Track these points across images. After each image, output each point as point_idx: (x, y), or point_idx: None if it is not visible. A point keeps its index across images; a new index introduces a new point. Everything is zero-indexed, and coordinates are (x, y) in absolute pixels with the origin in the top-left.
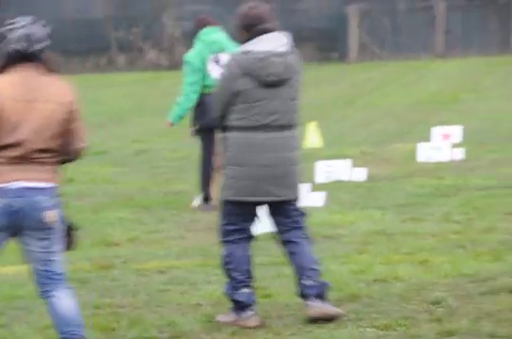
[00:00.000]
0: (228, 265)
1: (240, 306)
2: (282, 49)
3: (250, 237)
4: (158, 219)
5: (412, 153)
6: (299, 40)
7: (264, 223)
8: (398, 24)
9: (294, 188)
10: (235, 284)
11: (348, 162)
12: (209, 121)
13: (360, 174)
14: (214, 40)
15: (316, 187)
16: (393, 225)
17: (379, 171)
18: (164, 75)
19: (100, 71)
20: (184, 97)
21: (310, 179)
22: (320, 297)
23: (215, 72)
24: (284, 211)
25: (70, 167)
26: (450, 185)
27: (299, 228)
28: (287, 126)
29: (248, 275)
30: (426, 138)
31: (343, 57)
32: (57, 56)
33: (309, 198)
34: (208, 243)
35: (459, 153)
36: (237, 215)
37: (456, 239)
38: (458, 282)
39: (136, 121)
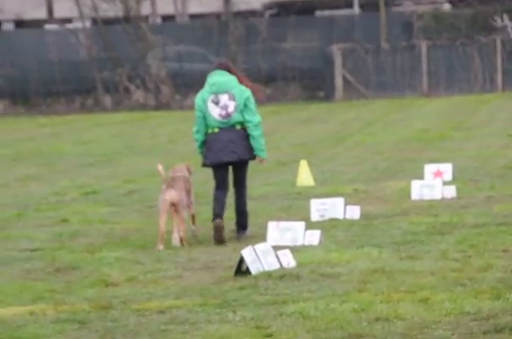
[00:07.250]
0: None
1: None
2: None
3: None
4: (155, 259)
5: (405, 191)
6: (284, 79)
7: (262, 262)
8: (382, 64)
9: None
10: None
11: (342, 200)
12: (212, 158)
13: (353, 212)
14: (214, 81)
15: (311, 225)
16: (391, 263)
17: (373, 209)
18: (151, 115)
19: (86, 111)
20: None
21: (304, 217)
22: None
23: (214, 113)
24: None
25: (63, 207)
26: (445, 222)
27: None
28: None
29: None
30: (417, 176)
31: (329, 96)
32: (43, 97)
33: (304, 236)
34: (207, 282)
35: (451, 191)
36: None
37: (455, 277)
38: (461, 321)
39: (126, 160)
